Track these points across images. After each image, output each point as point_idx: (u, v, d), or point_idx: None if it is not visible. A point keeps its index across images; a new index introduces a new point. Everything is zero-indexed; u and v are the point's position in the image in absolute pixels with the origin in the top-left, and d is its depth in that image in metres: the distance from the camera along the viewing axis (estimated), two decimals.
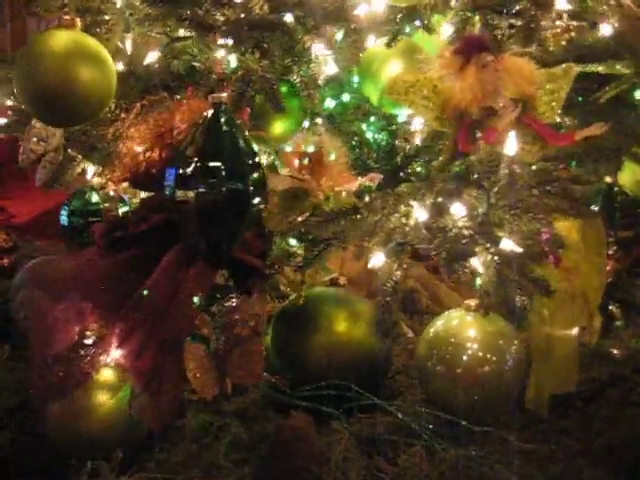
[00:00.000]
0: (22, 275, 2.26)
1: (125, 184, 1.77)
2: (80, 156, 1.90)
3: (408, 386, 1.81)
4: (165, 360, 1.45)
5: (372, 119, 1.75)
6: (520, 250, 1.26)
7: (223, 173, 1.15)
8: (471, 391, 1.57)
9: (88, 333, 1.49)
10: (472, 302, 1.60)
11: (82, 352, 1.48)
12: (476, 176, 1.29)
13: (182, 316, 1.44)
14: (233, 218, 1.20)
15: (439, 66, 1.52)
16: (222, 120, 1.21)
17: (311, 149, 1.60)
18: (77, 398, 1.54)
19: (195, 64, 1.76)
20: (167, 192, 1.29)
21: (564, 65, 1.61)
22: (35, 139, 1.87)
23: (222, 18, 1.48)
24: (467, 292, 1.89)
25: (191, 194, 1.18)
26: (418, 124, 1.86)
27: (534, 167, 1.30)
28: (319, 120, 1.86)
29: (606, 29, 1.60)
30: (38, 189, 2.06)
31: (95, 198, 1.93)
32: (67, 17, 1.57)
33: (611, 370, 1.74)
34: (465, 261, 1.27)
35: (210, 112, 1.22)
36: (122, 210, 1.94)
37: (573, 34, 1.57)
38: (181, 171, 1.21)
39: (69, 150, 1.88)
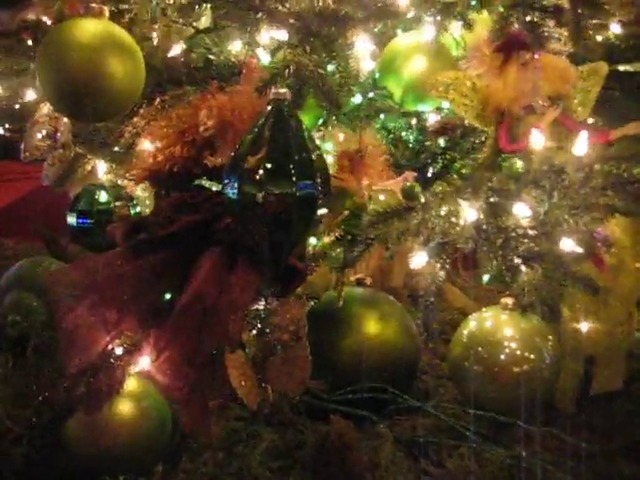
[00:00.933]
0: (9, 277, 2.16)
1: (141, 183, 1.69)
2: (89, 154, 1.79)
3: (436, 386, 1.80)
4: (204, 370, 1.39)
5: (396, 115, 1.72)
6: (580, 250, 1.25)
7: (293, 174, 1.09)
8: (509, 390, 1.57)
9: (119, 342, 1.42)
10: (509, 300, 1.60)
11: (113, 362, 1.41)
12: (531, 176, 1.28)
13: (229, 326, 1.37)
14: (301, 222, 1.14)
15: (478, 63, 1.50)
16: (288, 118, 1.15)
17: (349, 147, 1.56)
18: (104, 409, 1.47)
19: (211, 57, 1.69)
20: (228, 193, 1.22)
21: (595, 63, 1.62)
22: (40, 135, 1.76)
23: (283, 8, 1.41)
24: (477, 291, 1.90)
25: (259, 195, 1.12)
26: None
27: (596, 167, 1.30)
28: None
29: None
30: None
31: (104, 197, 1.83)
32: (94, 5, 1.47)
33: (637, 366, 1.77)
34: (526, 262, 1.26)
35: (273, 108, 1.15)
36: (134, 210, 1.85)
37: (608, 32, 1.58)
38: (246, 171, 1.14)
39: (76, 147, 1.78)
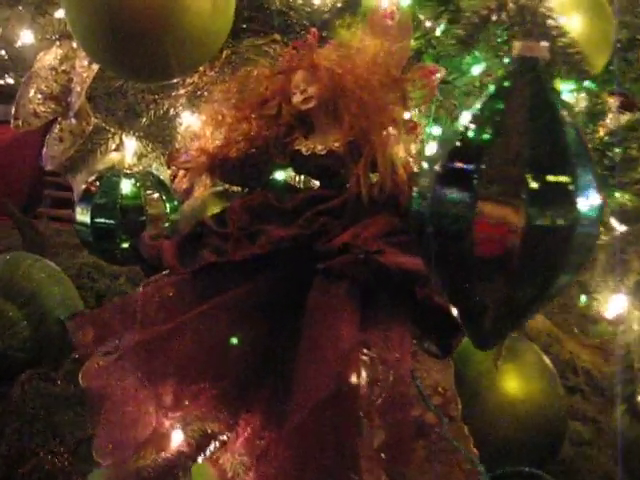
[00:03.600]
0: None
1: (196, 176, 1.17)
2: (112, 126, 1.25)
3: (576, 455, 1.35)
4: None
5: None
6: None
7: (574, 188, 0.60)
8: None
9: (183, 434, 0.92)
10: None
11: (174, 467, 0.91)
12: None
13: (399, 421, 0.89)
14: (572, 262, 0.65)
15: None
16: (548, 91, 0.65)
17: None
18: None
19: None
20: (418, 214, 0.69)
21: None
22: (40, 96, 1.22)
23: None
24: None
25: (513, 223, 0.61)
26: None
27: None
28: None
29: None
30: None
31: (132, 189, 1.29)
32: None
33: None
34: None
35: (523, 73, 0.66)
36: (171, 206, 1.32)
37: None
38: (471, 169, 0.63)
39: (94, 118, 1.23)
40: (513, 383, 1.24)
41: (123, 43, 0.87)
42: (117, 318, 1.02)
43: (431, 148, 1.44)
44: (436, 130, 1.40)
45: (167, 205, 1.32)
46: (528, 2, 0.84)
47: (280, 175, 1.13)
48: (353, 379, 0.87)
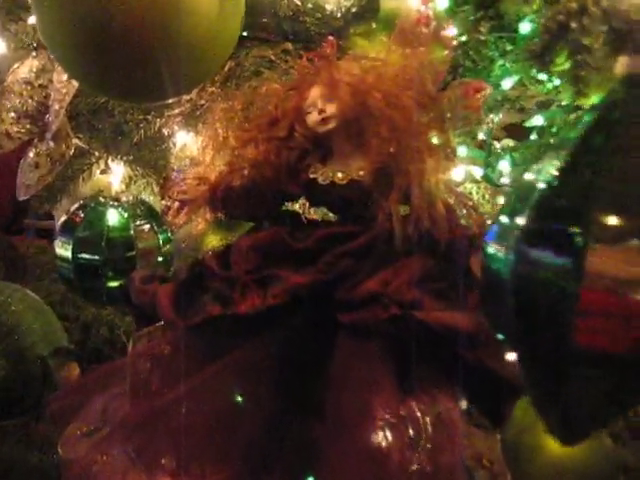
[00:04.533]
0: None
1: (195, 209, 1.00)
2: (97, 149, 1.08)
3: None
4: None
5: None
6: None
7: None
8: None
9: None
10: None
11: None
12: None
13: None
14: None
15: None
16: None
17: None
18: None
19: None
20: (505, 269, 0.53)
21: None
22: (13, 114, 1.06)
23: None
24: None
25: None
26: None
27: None
28: None
29: None
30: None
31: (120, 220, 1.14)
32: None
33: None
34: None
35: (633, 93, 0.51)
36: (164, 238, 1.16)
37: None
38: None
39: (76, 139, 1.06)
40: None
41: (109, 59, 0.70)
42: (103, 383, 0.86)
43: (457, 173, 1.31)
44: (461, 152, 1.26)
45: (160, 237, 1.17)
46: (615, 5, 0.69)
47: (293, 208, 0.98)
48: (392, 467, 0.71)
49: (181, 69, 0.71)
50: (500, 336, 0.59)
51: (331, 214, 0.98)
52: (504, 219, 0.53)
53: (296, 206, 0.99)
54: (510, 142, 1.60)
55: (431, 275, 0.88)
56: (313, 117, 0.93)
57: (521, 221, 0.51)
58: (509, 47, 1.07)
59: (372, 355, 0.80)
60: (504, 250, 0.53)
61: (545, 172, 0.49)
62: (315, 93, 0.93)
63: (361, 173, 0.91)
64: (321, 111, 0.92)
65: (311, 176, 0.95)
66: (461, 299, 0.87)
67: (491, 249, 0.55)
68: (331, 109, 0.92)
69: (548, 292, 0.49)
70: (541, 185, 0.50)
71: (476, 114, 0.85)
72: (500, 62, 1.17)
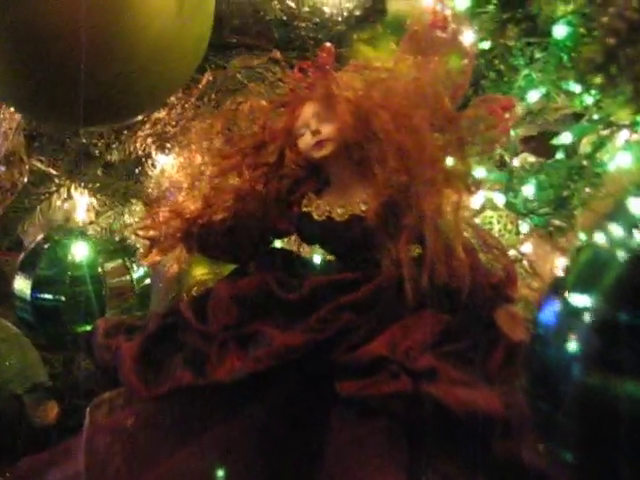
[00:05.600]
0: None
1: (170, 248, 0.85)
2: (59, 176, 0.93)
3: None
4: None
5: None
6: None
7: None
8: None
9: None
10: None
11: None
12: None
13: None
14: None
15: None
16: None
17: None
18: None
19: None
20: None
21: None
22: None
23: None
24: None
25: None
26: None
27: None
28: None
29: None
30: None
31: (86, 255, 0.99)
32: None
33: None
34: None
35: None
36: (137, 278, 1.01)
37: None
38: None
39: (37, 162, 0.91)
40: None
41: (41, 74, 0.54)
42: (58, 460, 0.71)
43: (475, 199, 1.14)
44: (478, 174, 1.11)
45: (133, 275, 1.02)
46: None
47: (279, 249, 0.83)
48: None
49: (133, 80, 0.56)
50: (549, 439, 0.44)
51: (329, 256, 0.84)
52: (565, 292, 0.38)
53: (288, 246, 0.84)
54: (529, 157, 1.45)
55: (449, 334, 0.72)
56: (306, 140, 0.78)
57: (593, 303, 0.36)
58: (538, 54, 0.93)
59: (375, 437, 0.65)
60: (564, 338, 0.38)
61: (629, 238, 0.34)
62: (309, 111, 0.78)
63: (364, 208, 0.75)
64: (316, 132, 0.77)
65: (305, 210, 0.80)
66: (485, 363, 0.73)
67: (544, 332, 0.40)
68: (328, 130, 0.76)
69: (633, 408, 0.34)
70: (623, 255, 0.35)
71: (503, 136, 0.70)
72: (525, 72, 1.04)
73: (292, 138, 0.79)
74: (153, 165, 0.98)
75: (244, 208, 0.81)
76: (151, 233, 0.83)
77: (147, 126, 0.81)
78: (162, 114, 0.80)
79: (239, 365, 0.72)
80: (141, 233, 0.82)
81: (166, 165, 0.94)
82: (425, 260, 0.71)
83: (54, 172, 0.97)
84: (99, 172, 0.93)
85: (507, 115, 0.69)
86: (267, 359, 0.71)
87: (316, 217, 0.78)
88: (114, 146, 0.98)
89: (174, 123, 0.80)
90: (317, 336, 0.72)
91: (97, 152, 0.94)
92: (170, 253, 0.83)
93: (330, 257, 0.81)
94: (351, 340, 0.72)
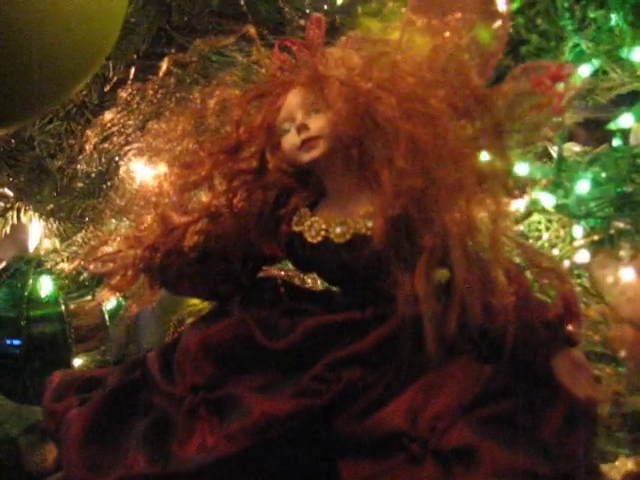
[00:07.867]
0: None
1: (131, 280, 0.68)
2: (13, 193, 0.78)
3: None
4: None
5: None
6: None
7: None
8: None
9: None
10: None
11: None
12: None
13: None
14: None
15: None
16: None
17: None
18: None
19: None
20: None
21: None
22: None
23: None
24: None
25: None
26: None
27: None
28: None
29: None
30: None
31: (46, 290, 0.82)
32: None
33: None
34: None
35: None
36: (109, 313, 0.84)
37: None
38: None
39: None
40: None
41: None
42: None
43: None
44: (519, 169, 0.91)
45: (105, 312, 0.85)
46: None
47: (268, 279, 0.65)
48: None
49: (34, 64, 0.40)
50: None
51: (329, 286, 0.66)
52: None
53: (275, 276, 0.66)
54: (574, 146, 1.24)
55: (489, 392, 0.54)
56: (291, 139, 0.61)
57: None
58: (591, 14, 0.73)
59: None
60: None
61: None
62: (293, 101, 0.60)
63: (369, 225, 0.58)
64: (302, 128, 0.59)
65: (295, 229, 0.63)
66: (540, 428, 0.54)
67: None
68: (317, 125, 0.58)
69: None
70: None
71: (556, 117, 0.51)
72: (574, 40, 0.84)
73: (273, 137, 0.62)
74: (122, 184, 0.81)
75: (218, 230, 0.65)
76: (103, 268, 0.67)
77: (95, 131, 0.64)
78: (110, 115, 0.64)
79: (212, 440, 0.55)
80: (91, 267, 0.67)
81: (126, 178, 0.77)
82: (453, 293, 0.53)
83: (8, 192, 0.81)
84: (55, 192, 0.77)
85: (560, 88, 0.51)
86: (243, 436, 0.53)
87: (310, 239, 0.61)
88: (78, 159, 0.82)
89: (122, 123, 0.63)
90: (311, 402, 0.54)
91: (54, 168, 0.78)
92: (128, 289, 0.67)
93: (335, 288, 0.64)
94: (357, 405, 0.54)
